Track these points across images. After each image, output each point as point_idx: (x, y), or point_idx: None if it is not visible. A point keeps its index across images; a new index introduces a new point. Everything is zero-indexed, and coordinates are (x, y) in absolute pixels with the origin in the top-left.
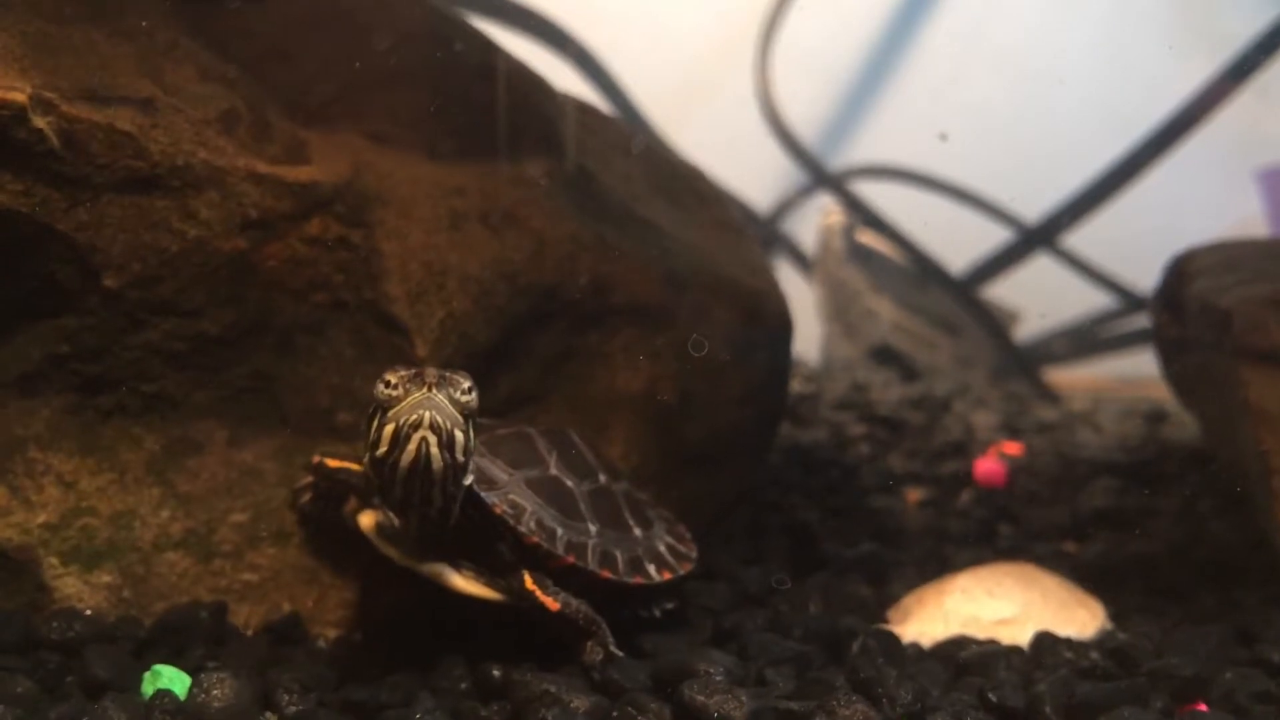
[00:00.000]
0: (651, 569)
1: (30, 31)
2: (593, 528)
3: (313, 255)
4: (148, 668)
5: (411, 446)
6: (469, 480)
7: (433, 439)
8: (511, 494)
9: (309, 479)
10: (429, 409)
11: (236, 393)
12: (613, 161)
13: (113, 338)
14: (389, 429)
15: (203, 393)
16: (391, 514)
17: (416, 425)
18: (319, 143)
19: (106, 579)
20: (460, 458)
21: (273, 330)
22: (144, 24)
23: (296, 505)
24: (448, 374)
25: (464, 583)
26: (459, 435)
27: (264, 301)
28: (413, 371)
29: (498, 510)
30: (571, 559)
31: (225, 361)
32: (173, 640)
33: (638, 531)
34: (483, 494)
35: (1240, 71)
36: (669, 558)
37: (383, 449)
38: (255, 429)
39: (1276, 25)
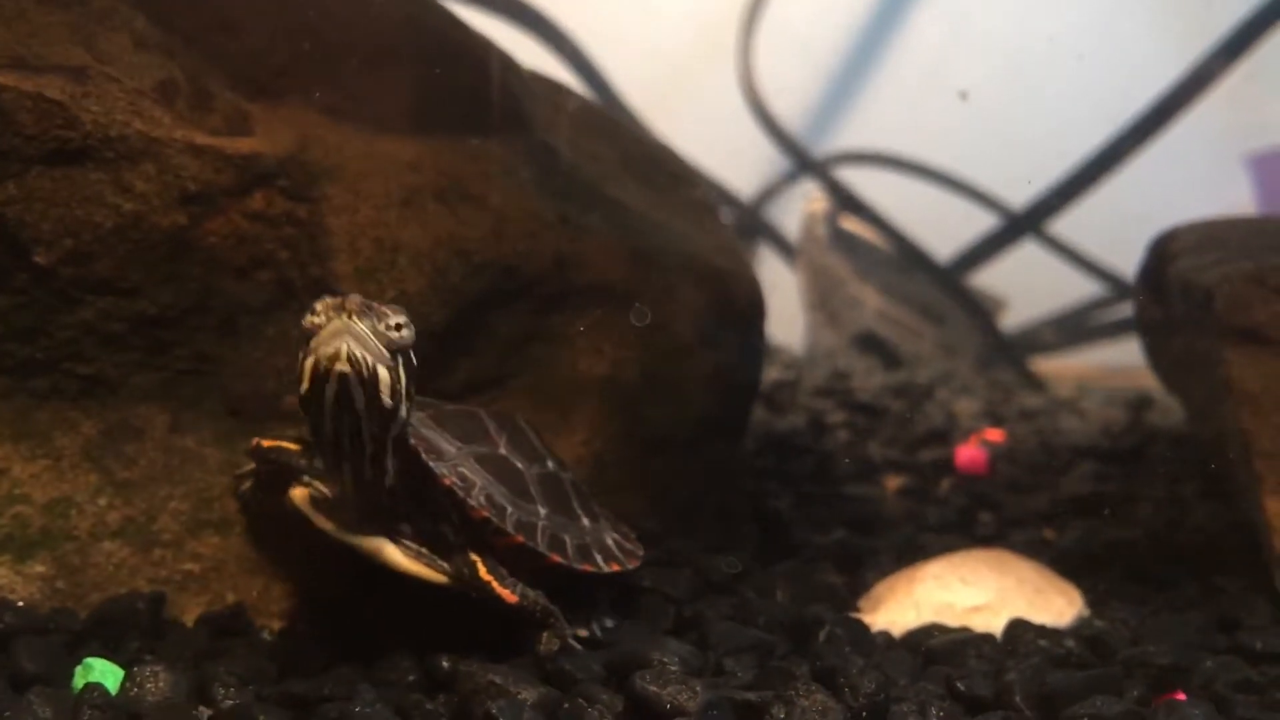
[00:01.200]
0: (599, 559)
1: None
2: (542, 510)
3: (256, 231)
4: (80, 661)
5: (332, 381)
6: (399, 431)
7: (352, 373)
8: (461, 467)
9: (250, 465)
10: (347, 339)
11: (177, 375)
12: (581, 140)
13: (45, 318)
14: (309, 362)
15: (142, 375)
16: (326, 483)
17: (334, 358)
18: (264, 115)
19: (40, 569)
20: (386, 400)
21: (215, 310)
22: None
23: (238, 493)
24: (376, 304)
25: (405, 560)
26: (383, 372)
27: (205, 280)
28: (338, 300)
29: (446, 481)
30: (520, 538)
31: (165, 343)
32: (108, 632)
33: (585, 521)
34: (430, 463)
35: (1228, 55)
36: (617, 551)
37: (304, 385)
38: (197, 413)
39: (1264, 8)
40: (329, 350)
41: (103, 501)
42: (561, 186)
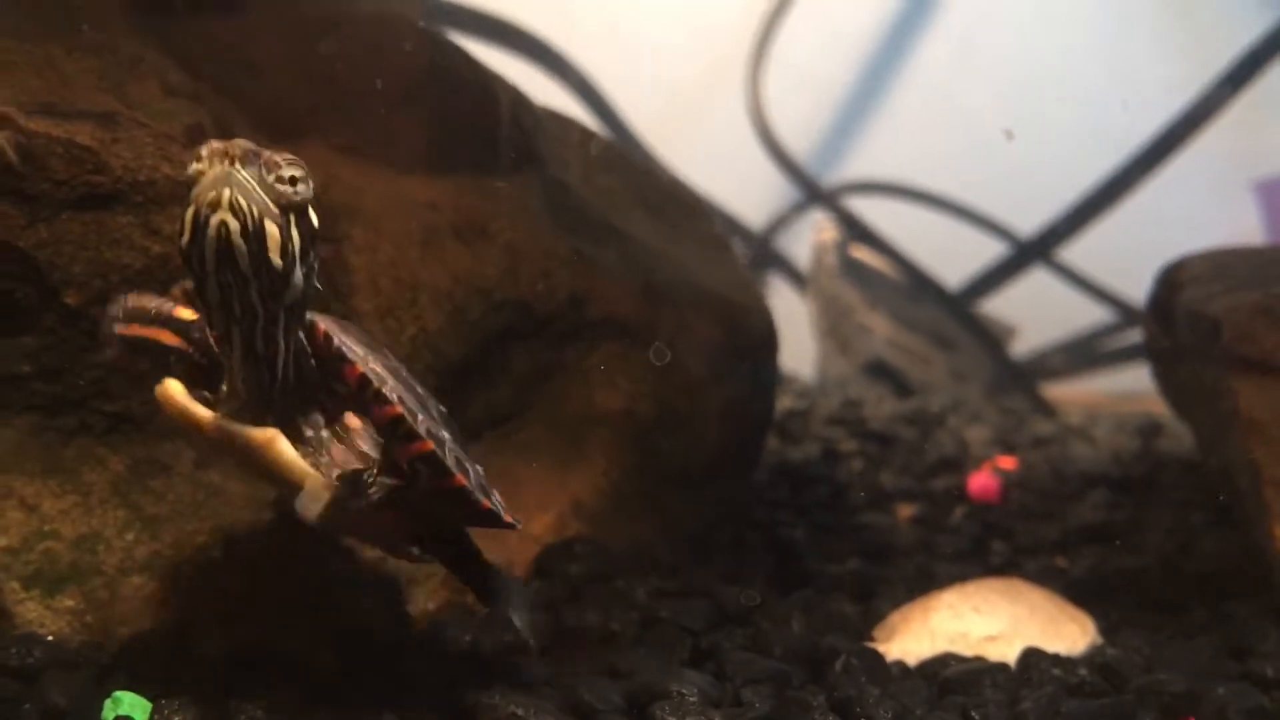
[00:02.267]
0: (498, 503)
1: None
2: (446, 434)
3: None
4: (109, 694)
5: (211, 233)
6: (293, 300)
7: (234, 224)
8: (372, 363)
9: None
10: (229, 187)
11: None
12: (594, 175)
13: (74, 357)
14: (189, 212)
15: None
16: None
17: (214, 204)
18: None
19: (69, 603)
20: (275, 258)
21: None
22: (107, 40)
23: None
24: (267, 153)
25: (295, 457)
26: (270, 226)
27: None
28: (212, 146)
29: (357, 369)
30: (430, 446)
31: None
32: (136, 666)
33: (479, 467)
34: (344, 350)
35: (1235, 82)
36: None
37: (185, 237)
38: None
39: (1270, 36)
40: (210, 196)
41: (130, 536)
42: (575, 222)
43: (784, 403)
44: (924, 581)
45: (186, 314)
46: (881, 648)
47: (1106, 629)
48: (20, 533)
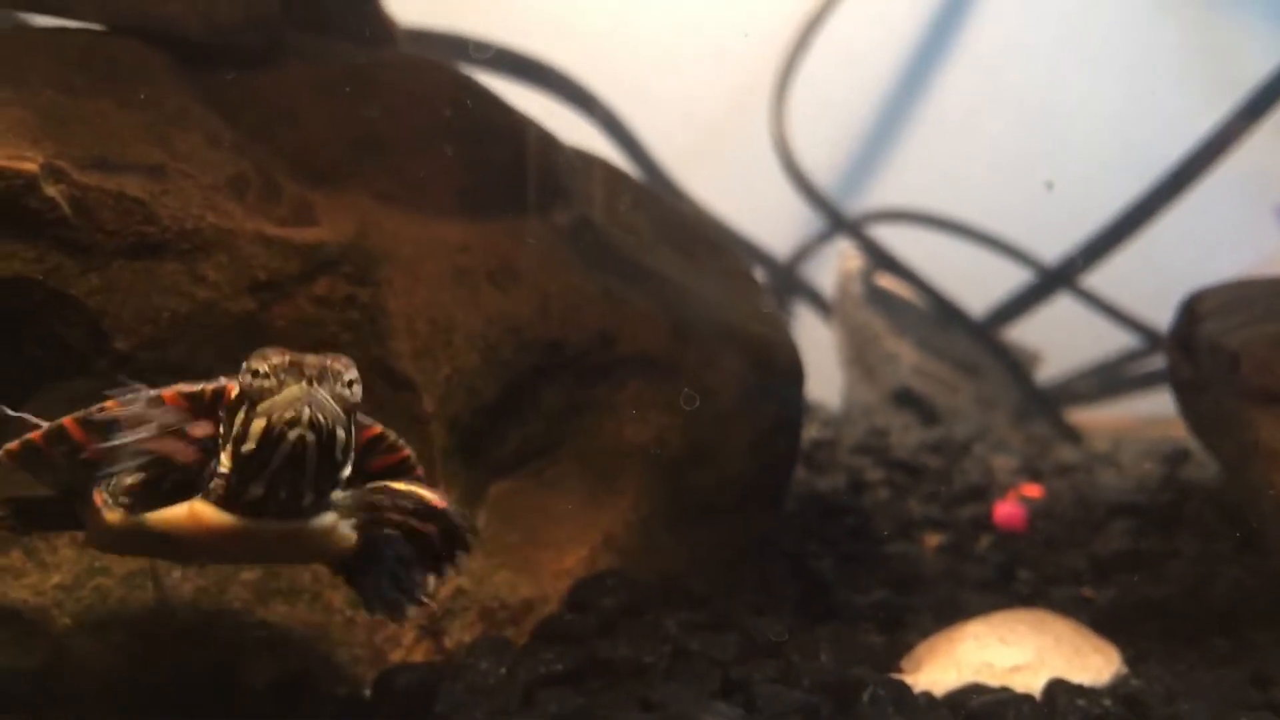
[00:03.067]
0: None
1: (42, 103)
2: None
3: (320, 315)
4: None
5: (286, 445)
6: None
7: (311, 438)
8: None
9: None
10: (308, 406)
11: None
12: (620, 213)
13: None
14: (258, 425)
15: None
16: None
17: (293, 423)
18: (326, 204)
19: (119, 638)
20: (339, 457)
21: None
22: (153, 93)
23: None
24: (329, 362)
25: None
26: (340, 434)
27: None
28: (287, 359)
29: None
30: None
31: None
32: (184, 698)
33: None
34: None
35: (1258, 108)
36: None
37: (249, 446)
38: None
39: None
40: (288, 415)
41: (177, 573)
42: (603, 261)
43: (810, 432)
44: (951, 611)
45: (203, 430)
46: (909, 679)
47: (1131, 659)
48: (72, 570)
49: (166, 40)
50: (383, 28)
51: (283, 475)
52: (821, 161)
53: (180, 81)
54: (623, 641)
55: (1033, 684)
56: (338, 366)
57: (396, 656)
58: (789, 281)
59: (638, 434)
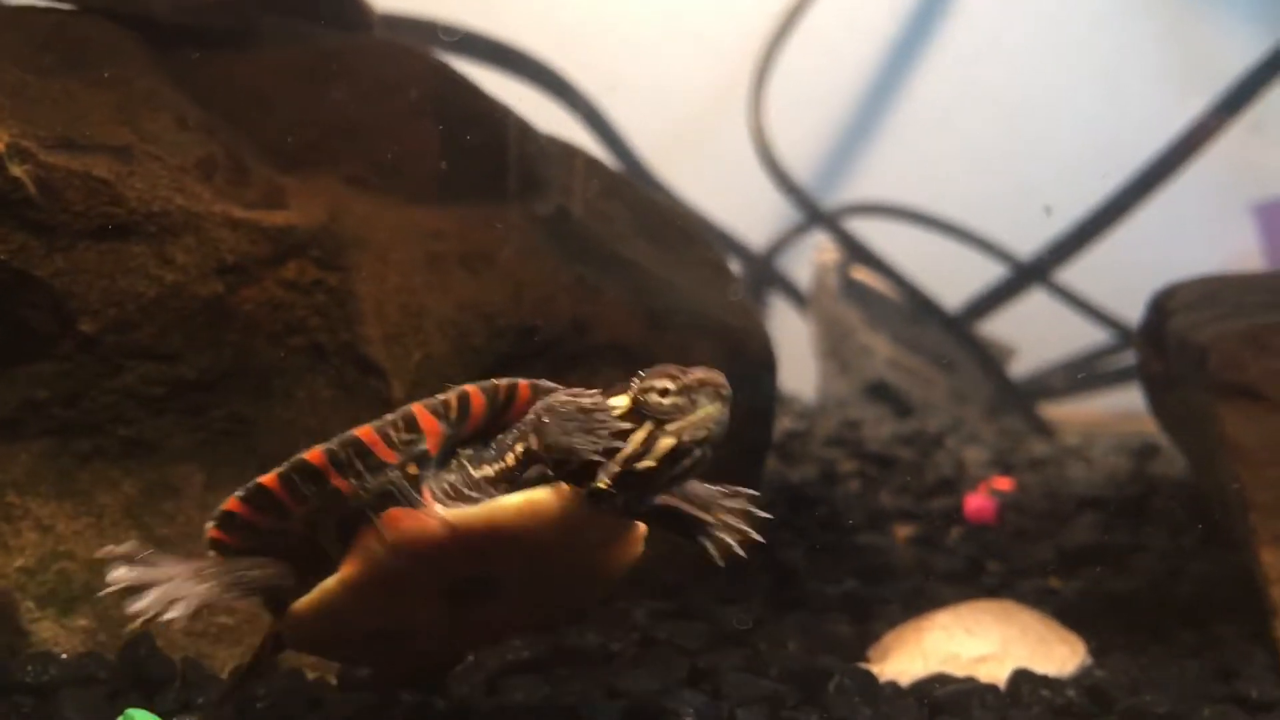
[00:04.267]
0: None
1: (9, 82)
2: None
3: (289, 299)
4: (120, 712)
5: (686, 463)
6: None
7: (709, 454)
8: None
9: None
10: (717, 422)
11: (214, 436)
12: (595, 202)
13: (89, 382)
14: (665, 443)
15: (180, 436)
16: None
17: (702, 442)
18: (297, 188)
19: (83, 622)
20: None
21: (250, 373)
22: (122, 74)
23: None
24: (719, 373)
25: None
26: None
27: (241, 345)
28: (693, 379)
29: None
30: None
31: (202, 405)
32: (148, 683)
33: None
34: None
35: (1233, 105)
36: None
37: (649, 463)
38: (232, 472)
39: (1268, 59)
40: (700, 434)
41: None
42: (578, 249)
43: (784, 424)
44: (920, 602)
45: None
46: (875, 668)
47: (1096, 650)
48: (36, 553)
49: (137, 21)
50: (358, 12)
51: (656, 487)
52: (799, 155)
53: (150, 63)
54: (591, 630)
55: (998, 674)
56: (720, 375)
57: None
58: (765, 274)
59: None
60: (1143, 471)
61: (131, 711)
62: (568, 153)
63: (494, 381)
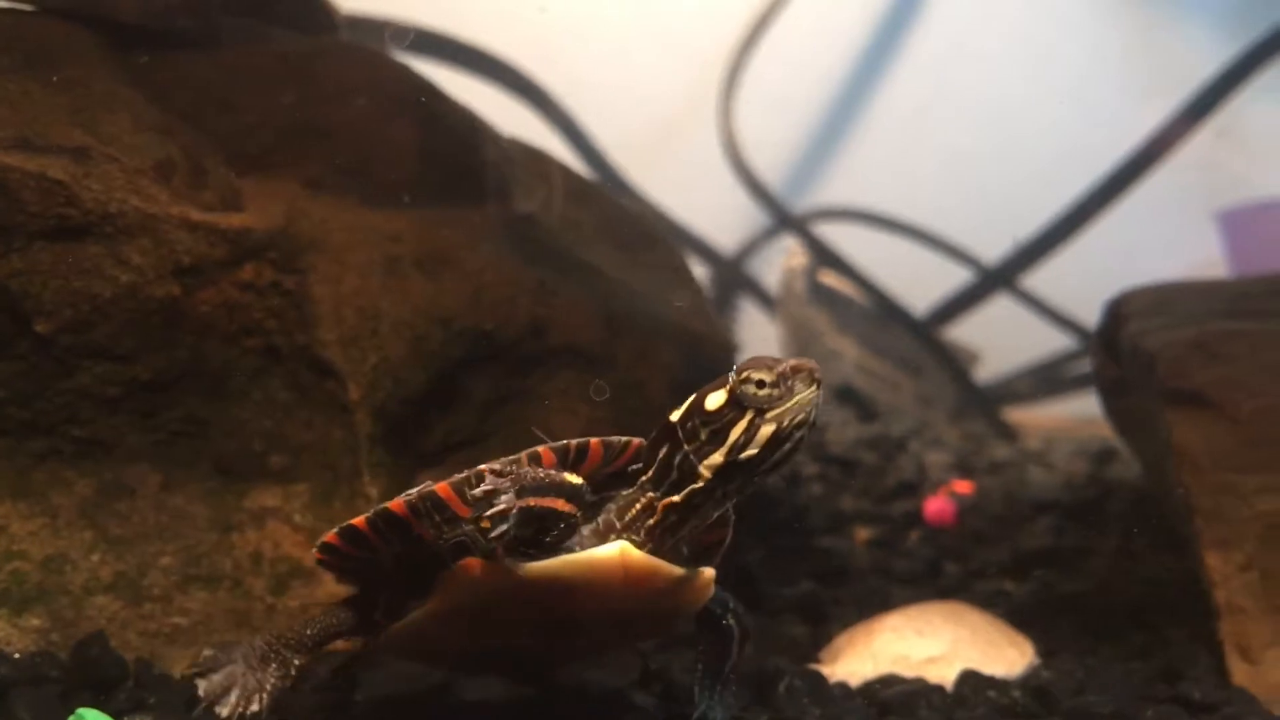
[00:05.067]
0: None
1: None
2: None
3: (246, 300)
4: (72, 711)
5: (788, 446)
6: None
7: (807, 434)
8: None
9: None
10: (814, 406)
11: (169, 437)
12: (557, 205)
13: (44, 383)
14: (767, 430)
15: (135, 437)
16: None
17: (802, 425)
18: (255, 190)
19: (36, 622)
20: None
21: (206, 374)
22: (81, 74)
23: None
24: (810, 360)
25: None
26: None
27: (197, 346)
28: (787, 366)
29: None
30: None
31: (158, 406)
32: (100, 683)
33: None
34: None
35: (1198, 112)
36: None
37: (752, 451)
38: (188, 473)
39: (1233, 66)
40: (800, 418)
41: (96, 557)
42: (539, 253)
43: None
44: (876, 604)
45: (575, 478)
46: (826, 669)
47: (1045, 652)
48: None
49: (97, 22)
50: (321, 14)
51: (757, 475)
52: (769, 159)
53: (109, 64)
54: None
55: (946, 675)
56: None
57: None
58: (734, 277)
59: (567, 425)
60: (1100, 475)
61: (83, 711)
62: (532, 156)
63: (565, 442)
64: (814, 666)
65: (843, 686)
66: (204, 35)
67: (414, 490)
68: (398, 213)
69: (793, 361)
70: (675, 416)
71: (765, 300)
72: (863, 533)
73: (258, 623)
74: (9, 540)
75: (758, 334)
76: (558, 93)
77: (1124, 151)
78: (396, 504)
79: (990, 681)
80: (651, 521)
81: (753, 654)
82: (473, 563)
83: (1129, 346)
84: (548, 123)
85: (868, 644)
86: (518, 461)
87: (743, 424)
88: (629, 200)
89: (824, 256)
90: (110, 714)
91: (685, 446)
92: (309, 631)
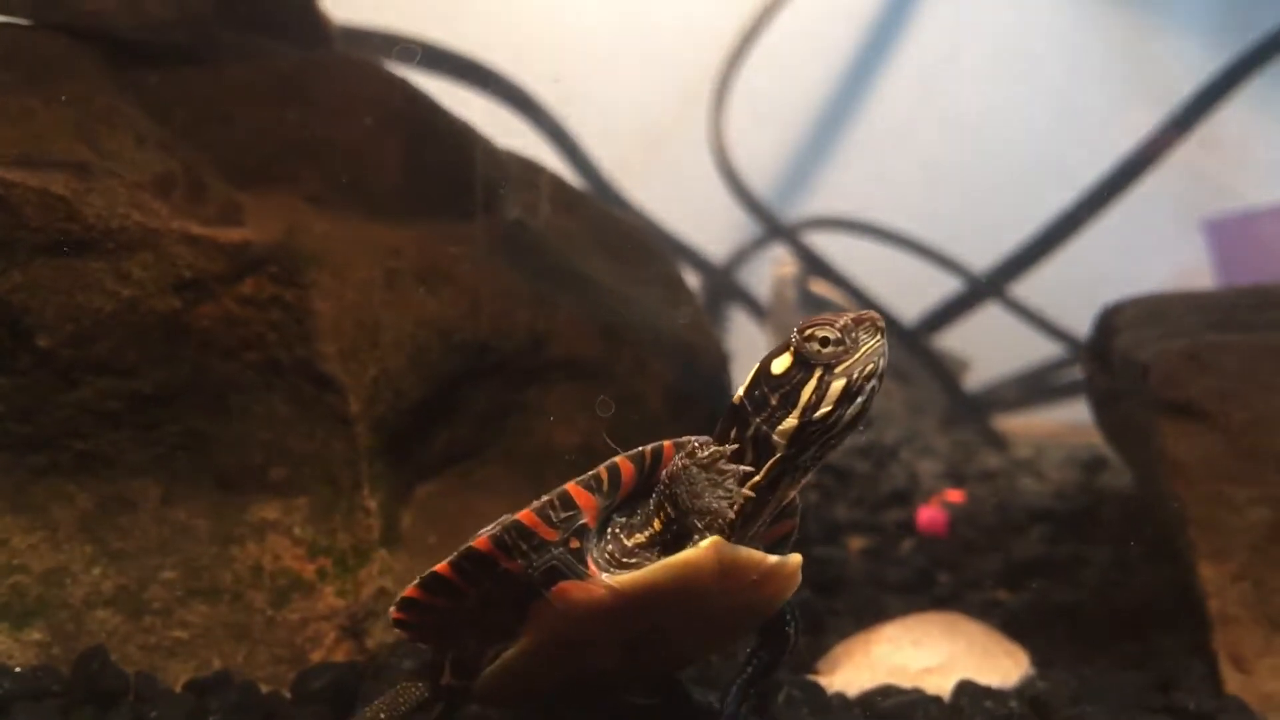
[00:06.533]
0: None
1: None
2: None
3: (246, 315)
4: None
5: (861, 400)
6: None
7: (879, 385)
8: None
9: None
10: (883, 356)
11: (170, 450)
12: (555, 218)
13: (45, 397)
14: (838, 386)
15: (136, 451)
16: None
17: (872, 375)
18: (255, 204)
19: (37, 636)
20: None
21: (206, 388)
22: (81, 90)
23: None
24: (870, 310)
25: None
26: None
27: (198, 360)
28: (849, 318)
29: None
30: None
31: (159, 420)
32: (101, 697)
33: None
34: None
35: (1185, 122)
36: None
37: (825, 409)
38: (188, 487)
39: (1220, 76)
40: (869, 369)
41: (96, 571)
42: (536, 265)
43: None
44: (871, 614)
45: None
46: (824, 680)
47: (1040, 662)
48: None
49: (97, 37)
50: (319, 27)
51: (835, 434)
52: (759, 169)
53: (109, 79)
54: None
55: (943, 686)
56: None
57: (317, 656)
58: (725, 286)
59: (566, 437)
60: (1091, 484)
61: None
62: (528, 169)
63: (641, 449)
64: (812, 677)
65: (840, 697)
66: (202, 50)
67: (494, 524)
68: (398, 227)
69: (854, 313)
70: (739, 394)
71: (755, 309)
72: (856, 542)
73: (258, 636)
74: (9, 554)
75: (748, 343)
76: (550, 104)
77: (1109, 161)
78: (481, 541)
79: (987, 692)
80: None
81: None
82: (566, 586)
83: (1121, 357)
84: (540, 133)
85: (865, 654)
86: (597, 475)
87: (812, 383)
88: (620, 210)
89: (814, 266)
90: None
91: (755, 419)
92: (382, 716)
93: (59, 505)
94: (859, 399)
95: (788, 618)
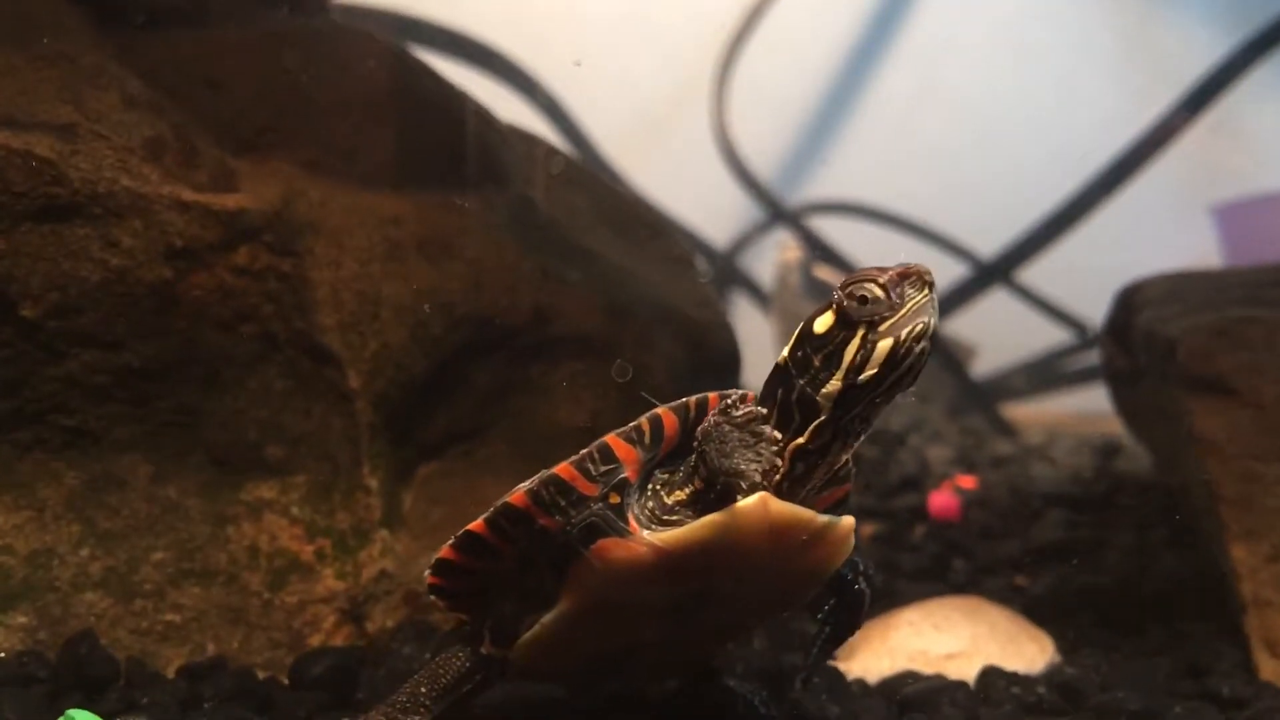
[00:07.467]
0: None
1: None
2: None
3: (241, 285)
4: (62, 712)
5: (909, 361)
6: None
7: (929, 346)
8: None
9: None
10: (930, 314)
11: (161, 427)
12: (558, 193)
13: (31, 370)
14: (884, 346)
15: (125, 427)
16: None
17: (921, 335)
18: (250, 171)
19: (22, 620)
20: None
21: (199, 362)
22: (68, 49)
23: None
24: (918, 264)
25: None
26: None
27: (189, 333)
28: (894, 273)
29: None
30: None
31: (149, 395)
32: (90, 683)
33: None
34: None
35: (1193, 107)
36: None
37: (870, 372)
38: (180, 464)
39: (1228, 61)
40: (916, 328)
41: (85, 552)
42: (540, 240)
43: None
44: (886, 599)
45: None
46: (842, 666)
47: (1065, 648)
48: None
49: None
50: None
51: (887, 393)
52: (762, 153)
53: (98, 39)
54: None
55: (967, 671)
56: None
57: (316, 641)
58: (728, 272)
59: (572, 415)
60: (1107, 469)
61: (72, 712)
62: (529, 142)
63: (684, 400)
64: (830, 663)
65: (860, 683)
66: (193, 11)
67: (531, 480)
68: (397, 196)
69: (899, 267)
70: (783, 355)
71: (759, 295)
72: (868, 528)
73: (254, 619)
74: None
75: (751, 328)
76: (551, 86)
77: (1116, 146)
78: (517, 496)
79: (1013, 678)
80: (779, 475)
81: (768, 649)
82: (607, 544)
83: (1144, 335)
84: (541, 115)
85: (884, 639)
86: (639, 427)
87: (855, 342)
88: (624, 189)
89: (818, 250)
90: (101, 715)
91: (799, 381)
92: (423, 689)
93: (45, 483)
94: (907, 361)
95: (854, 576)
